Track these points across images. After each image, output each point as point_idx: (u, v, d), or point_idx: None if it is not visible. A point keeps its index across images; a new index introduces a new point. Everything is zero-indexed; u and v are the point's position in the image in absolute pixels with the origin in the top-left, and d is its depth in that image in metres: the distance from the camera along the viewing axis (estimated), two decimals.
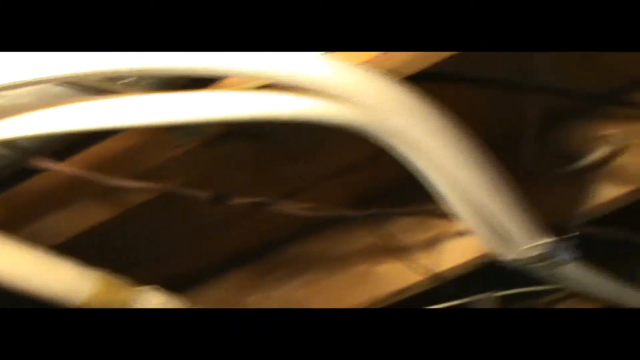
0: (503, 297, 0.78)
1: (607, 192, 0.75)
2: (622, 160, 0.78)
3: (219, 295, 0.76)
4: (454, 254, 0.73)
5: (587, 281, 0.79)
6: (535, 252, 0.69)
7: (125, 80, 0.53)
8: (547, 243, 0.70)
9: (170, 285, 0.66)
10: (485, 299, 0.77)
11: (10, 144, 0.55)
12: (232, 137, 0.64)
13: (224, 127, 0.60)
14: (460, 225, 0.62)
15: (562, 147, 0.77)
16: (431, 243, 0.74)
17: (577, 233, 0.74)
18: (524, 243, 0.67)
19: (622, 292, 0.80)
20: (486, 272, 0.70)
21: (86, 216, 0.65)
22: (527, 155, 0.75)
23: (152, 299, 0.63)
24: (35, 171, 0.60)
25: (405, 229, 0.74)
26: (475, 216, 0.63)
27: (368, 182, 0.72)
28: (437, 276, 0.71)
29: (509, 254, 0.69)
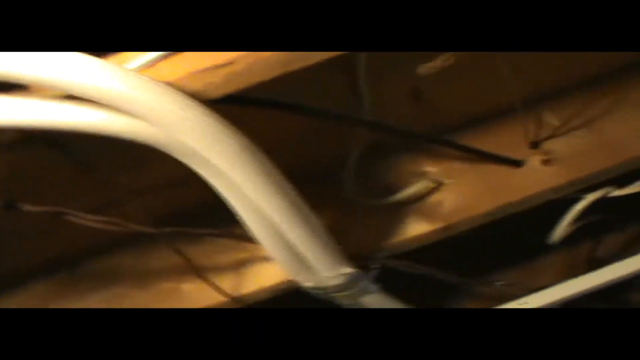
0: None
1: (418, 227, 0.78)
2: (436, 197, 0.81)
3: (22, 303, 0.73)
4: (259, 278, 0.73)
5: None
6: (335, 282, 0.70)
7: None
8: (349, 273, 0.71)
9: None
10: None
11: None
12: (33, 145, 0.62)
13: (24, 133, 0.58)
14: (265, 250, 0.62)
15: (382, 180, 0.80)
16: (237, 266, 0.74)
17: (378, 265, 0.76)
18: (324, 272, 0.69)
19: None
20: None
21: None
22: (347, 185, 0.77)
23: None
24: None
25: (214, 250, 0.74)
26: (274, 243, 0.63)
27: (182, 200, 0.71)
28: (239, 299, 0.70)
29: (309, 282, 0.70)
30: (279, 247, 0.66)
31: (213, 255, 0.78)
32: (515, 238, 0.99)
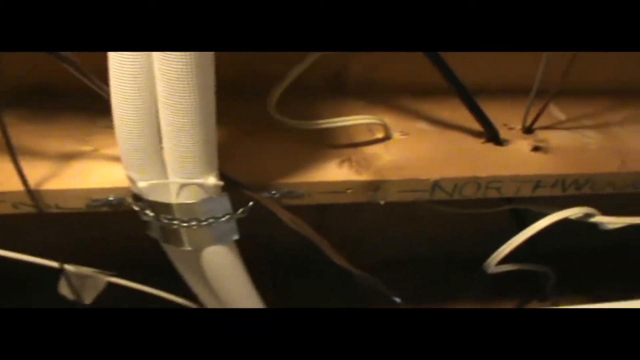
0: None
1: (336, 172, 0.55)
2: (376, 148, 0.59)
3: None
4: (77, 179, 0.57)
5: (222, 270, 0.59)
6: (190, 195, 0.52)
7: None
8: (213, 186, 0.51)
9: None
10: None
11: None
12: None
13: None
14: None
15: (322, 107, 0.58)
16: (61, 157, 0.59)
17: (263, 198, 0.54)
18: (182, 174, 0.51)
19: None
20: None
21: None
22: (270, 100, 0.56)
23: None
24: None
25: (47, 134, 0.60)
26: (139, 118, 0.48)
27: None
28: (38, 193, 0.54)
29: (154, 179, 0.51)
30: (141, 127, 0.47)
31: (41, 138, 0.59)
32: None
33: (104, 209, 0.56)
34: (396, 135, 0.64)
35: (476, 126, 0.65)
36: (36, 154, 0.57)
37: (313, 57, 0.58)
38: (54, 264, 0.60)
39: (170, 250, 0.58)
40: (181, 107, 0.46)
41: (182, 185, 0.50)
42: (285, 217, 0.55)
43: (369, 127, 0.64)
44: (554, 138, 0.66)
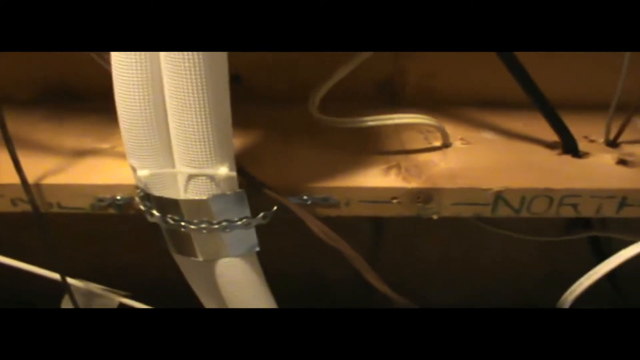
0: None
1: (380, 178, 0.47)
2: (432, 155, 0.51)
3: None
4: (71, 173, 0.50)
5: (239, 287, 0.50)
6: (198, 189, 0.45)
7: None
8: (225, 177, 0.42)
9: None
10: None
11: None
12: None
13: None
14: None
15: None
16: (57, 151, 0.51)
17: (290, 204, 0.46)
18: (190, 162, 0.43)
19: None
20: None
21: None
22: (313, 100, 0.49)
23: None
24: None
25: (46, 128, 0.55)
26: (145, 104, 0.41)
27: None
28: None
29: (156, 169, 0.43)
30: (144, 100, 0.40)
31: (58, 136, 0.54)
32: None
33: (110, 210, 0.49)
34: (456, 143, 0.54)
35: (550, 137, 0.55)
36: (49, 150, 0.52)
37: (362, 57, 0.51)
38: (55, 276, 0.53)
39: (182, 262, 0.50)
40: (188, 78, 0.38)
41: (190, 177, 0.42)
42: (315, 226, 0.46)
43: (424, 134, 0.55)
44: None
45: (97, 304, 0.57)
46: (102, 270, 0.60)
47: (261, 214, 0.46)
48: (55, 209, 0.49)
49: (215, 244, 0.46)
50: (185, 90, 0.38)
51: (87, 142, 0.53)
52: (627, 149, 0.55)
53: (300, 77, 0.56)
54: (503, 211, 0.51)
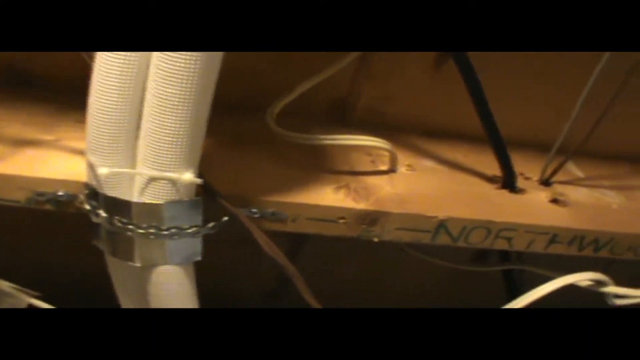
0: None
1: (330, 196, 0.48)
2: (378, 179, 0.51)
3: None
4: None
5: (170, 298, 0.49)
6: (154, 191, 0.44)
7: None
8: (183, 183, 0.41)
9: None
10: None
11: None
12: None
13: None
14: None
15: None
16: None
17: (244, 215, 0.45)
18: (150, 165, 0.43)
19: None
20: None
21: None
22: (269, 113, 0.49)
23: None
24: None
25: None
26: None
27: None
28: None
29: (117, 167, 0.41)
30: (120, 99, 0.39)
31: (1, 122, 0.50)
32: None
33: (48, 206, 0.47)
34: (402, 169, 0.56)
35: (489, 171, 0.57)
36: None
37: (322, 75, 0.51)
38: None
39: (113, 266, 0.48)
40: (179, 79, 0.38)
41: (151, 180, 0.41)
42: (261, 239, 0.46)
43: (372, 158, 0.56)
44: (573, 193, 0.58)
45: (7, 304, 0.54)
46: (19, 268, 0.57)
47: (211, 224, 0.45)
48: None
49: (157, 250, 0.45)
50: (173, 92, 0.38)
51: (30, 132, 0.50)
52: (559, 188, 0.58)
53: (259, 87, 0.56)
54: (442, 239, 0.53)
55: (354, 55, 0.51)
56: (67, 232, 0.53)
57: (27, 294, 0.54)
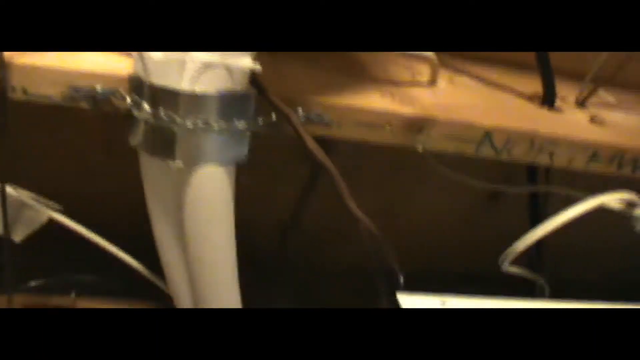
0: None
1: (377, 100, 0.46)
2: (423, 90, 0.50)
3: None
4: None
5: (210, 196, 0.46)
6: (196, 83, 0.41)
7: None
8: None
9: None
10: None
11: None
12: None
13: None
14: None
15: None
16: None
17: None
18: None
19: None
20: None
21: None
22: None
23: None
24: None
25: None
26: None
27: None
28: None
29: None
30: None
31: None
32: None
33: (83, 104, 0.44)
34: (442, 83, 0.54)
35: (527, 90, 0.56)
36: None
37: None
38: None
39: (148, 169, 0.45)
40: None
41: (206, 66, 0.39)
42: (309, 142, 0.45)
43: (411, 72, 0.54)
44: (609, 116, 0.57)
45: (25, 218, 0.51)
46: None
47: (260, 119, 0.43)
48: (19, 95, 0.44)
49: (203, 147, 0.43)
50: None
51: None
52: (594, 111, 0.58)
53: None
54: (486, 151, 0.51)
55: None
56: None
57: (49, 206, 0.52)
